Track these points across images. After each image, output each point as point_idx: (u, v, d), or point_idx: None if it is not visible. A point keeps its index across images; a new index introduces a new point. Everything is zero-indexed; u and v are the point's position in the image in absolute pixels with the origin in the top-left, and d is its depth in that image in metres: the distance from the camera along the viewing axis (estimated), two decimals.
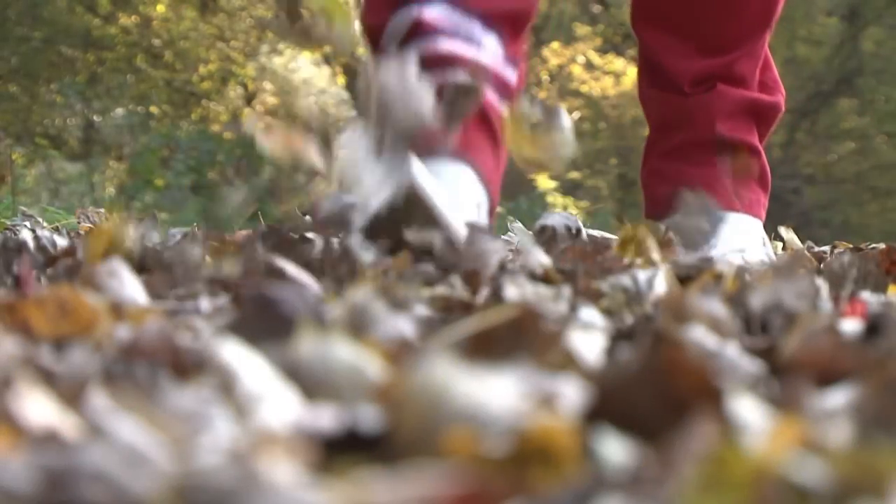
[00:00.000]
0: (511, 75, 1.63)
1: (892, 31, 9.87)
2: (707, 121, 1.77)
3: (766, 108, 1.80)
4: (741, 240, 1.67)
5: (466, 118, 1.48)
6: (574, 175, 10.51)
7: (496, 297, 0.93)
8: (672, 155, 1.79)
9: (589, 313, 0.90)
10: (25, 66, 8.90)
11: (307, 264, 1.08)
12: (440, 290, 0.99)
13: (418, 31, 1.58)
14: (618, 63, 10.67)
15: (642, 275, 1.02)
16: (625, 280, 1.01)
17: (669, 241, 1.46)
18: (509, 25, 1.64)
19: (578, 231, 1.56)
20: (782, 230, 1.97)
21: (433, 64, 1.55)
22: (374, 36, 1.64)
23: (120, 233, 1.12)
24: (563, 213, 1.61)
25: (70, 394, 0.57)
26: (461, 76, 1.45)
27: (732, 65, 1.77)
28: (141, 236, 1.14)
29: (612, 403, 0.53)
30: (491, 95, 1.59)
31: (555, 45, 10.98)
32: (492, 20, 1.61)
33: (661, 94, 1.80)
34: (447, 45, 1.57)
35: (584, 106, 10.89)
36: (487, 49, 1.60)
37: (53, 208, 3.46)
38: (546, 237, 1.48)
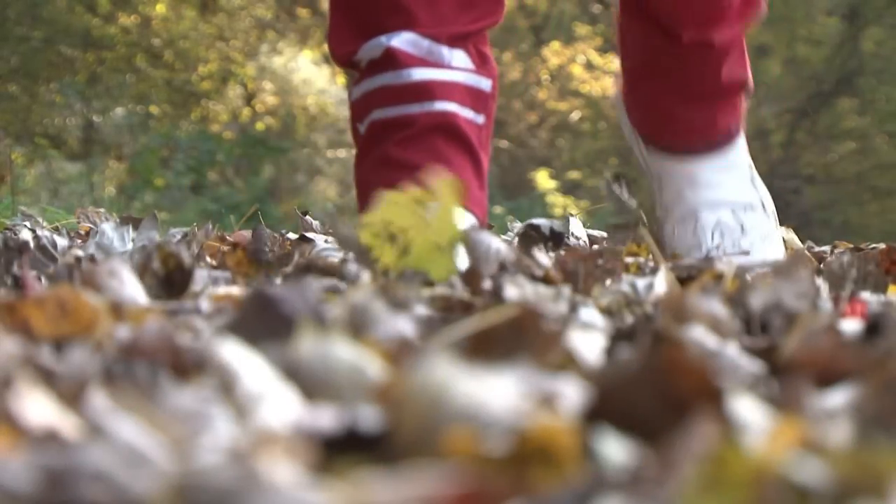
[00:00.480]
0: (485, 84, 1.65)
1: (892, 31, 9.87)
2: (707, 74, 1.69)
3: (748, 18, 1.72)
4: (730, 179, 1.67)
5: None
6: (574, 175, 10.52)
7: (496, 297, 0.93)
8: (667, 96, 1.71)
9: (589, 313, 0.90)
10: (25, 66, 8.89)
11: None
12: (440, 290, 0.99)
13: (390, 61, 1.61)
14: (618, 63, 10.64)
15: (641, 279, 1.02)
16: (624, 284, 1.01)
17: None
18: (476, 37, 1.66)
19: (561, 235, 1.57)
20: (782, 230, 1.96)
21: (408, 96, 1.60)
22: (342, 61, 1.68)
23: None
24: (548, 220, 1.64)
25: (70, 394, 0.57)
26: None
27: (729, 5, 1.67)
28: None
29: (612, 403, 0.53)
30: (465, 113, 1.62)
31: (555, 45, 10.98)
32: (458, 41, 1.64)
33: (652, 33, 1.70)
34: (419, 75, 1.60)
35: (584, 106, 10.89)
36: (457, 66, 1.63)
37: (53, 208, 3.46)
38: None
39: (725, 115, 1.72)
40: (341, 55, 1.68)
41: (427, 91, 1.61)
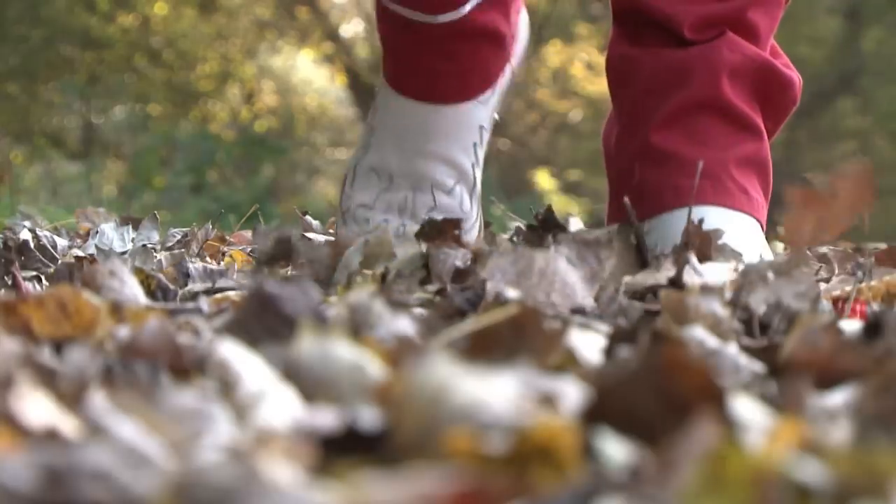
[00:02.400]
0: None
1: (893, 31, 9.87)
2: (710, 75, 1.34)
3: (782, 82, 1.38)
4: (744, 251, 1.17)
5: None
6: (574, 175, 10.51)
7: (497, 296, 0.93)
8: (664, 127, 1.33)
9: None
10: (24, 66, 8.89)
11: None
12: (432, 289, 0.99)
13: None
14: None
15: None
16: None
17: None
18: None
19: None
20: (783, 230, 1.93)
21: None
22: None
23: None
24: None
25: (70, 394, 0.57)
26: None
27: (744, 10, 1.36)
28: None
29: (612, 403, 0.53)
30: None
31: (555, 44, 10.97)
32: None
33: (649, 50, 1.38)
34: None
35: (584, 106, 10.89)
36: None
37: (52, 208, 3.46)
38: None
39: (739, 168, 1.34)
40: None
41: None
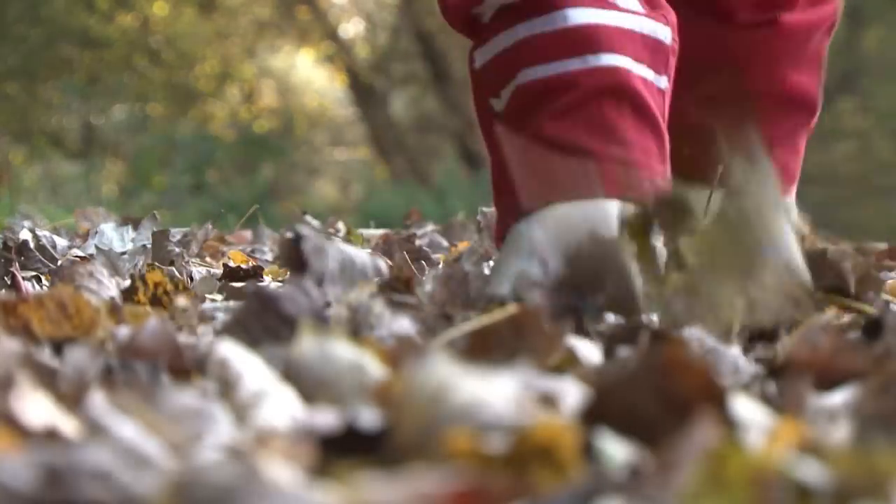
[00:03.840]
0: (664, 34, 1.18)
1: (894, 30, 9.87)
2: (767, 66, 1.30)
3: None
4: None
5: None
6: None
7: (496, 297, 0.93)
8: (707, 104, 1.25)
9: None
10: (24, 66, 8.89)
11: None
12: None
13: (536, 1, 1.15)
14: None
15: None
16: None
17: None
18: None
19: None
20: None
21: (565, 47, 1.14)
22: (458, 14, 1.20)
23: None
24: None
25: (70, 394, 0.57)
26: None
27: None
28: None
29: (613, 403, 0.53)
30: (641, 71, 1.16)
31: None
32: None
33: (692, 19, 1.24)
34: (579, 17, 1.14)
35: None
36: (625, 7, 1.16)
37: (52, 208, 3.46)
38: None
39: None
40: (456, 5, 1.19)
41: (591, 39, 1.14)
